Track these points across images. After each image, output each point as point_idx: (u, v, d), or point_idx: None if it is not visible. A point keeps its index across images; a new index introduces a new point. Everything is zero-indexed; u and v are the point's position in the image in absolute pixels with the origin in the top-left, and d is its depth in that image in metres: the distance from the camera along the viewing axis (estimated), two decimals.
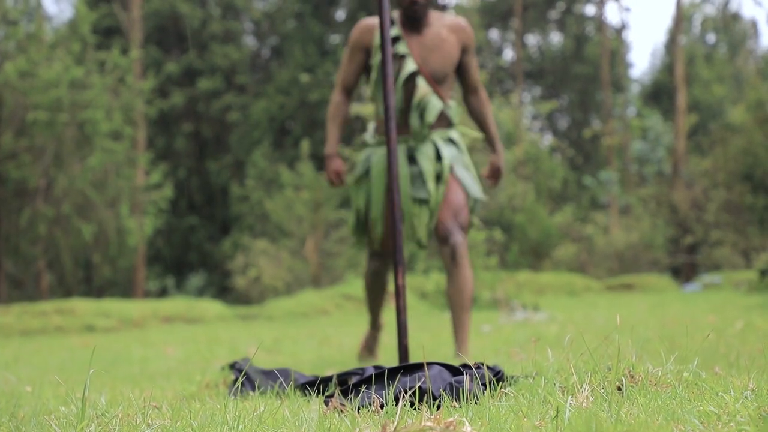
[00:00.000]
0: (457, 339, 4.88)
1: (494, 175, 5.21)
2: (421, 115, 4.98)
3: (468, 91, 5.24)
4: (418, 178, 4.94)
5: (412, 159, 4.98)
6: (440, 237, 4.94)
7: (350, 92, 5.16)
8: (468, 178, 5.07)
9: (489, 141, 5.25)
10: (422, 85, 4.97)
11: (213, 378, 3.42)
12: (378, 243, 5.09)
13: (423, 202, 4.93)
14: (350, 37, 5.11)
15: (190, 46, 31.08)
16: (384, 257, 5.21)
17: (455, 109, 5.14)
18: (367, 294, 5.35)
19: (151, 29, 30.44)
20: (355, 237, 5.25)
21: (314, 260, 21.63)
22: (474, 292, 5.19)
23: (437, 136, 5.01)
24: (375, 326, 5.46)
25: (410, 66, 4.96)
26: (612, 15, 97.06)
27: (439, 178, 4.98)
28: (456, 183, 5.00)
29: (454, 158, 5.03)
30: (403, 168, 4.89)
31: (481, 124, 5.24)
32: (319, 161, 26.64)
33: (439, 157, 5.00)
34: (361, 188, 5.10)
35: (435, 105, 4.96)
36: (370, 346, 5.46)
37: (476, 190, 5.09)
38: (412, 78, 4.99)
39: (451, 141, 5.08)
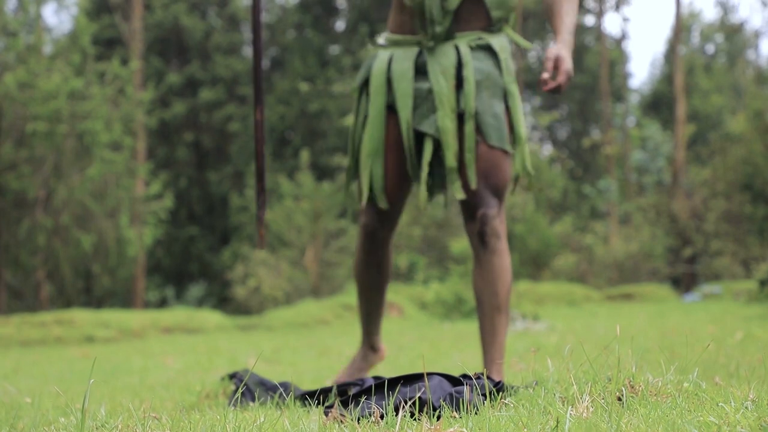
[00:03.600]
0: (485, 353, 3.43)
1: (555, 73, 3.32)
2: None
3: None
4: (426, 101, 3.40)
5: (423, 71, 3.43)
6: (465, 207, 3.42)
7: None
8: (491, 115, 3.41)
9: (554, 31, 3.46)
10: None
11: (213, 388, 3.42)
12: (370, 193, 3.50)
13: (429, 137, 3.42)
14: None
15: (191, 57, 31.13)
16: (381, 220, 3.55)
17: (503, 2, 3.48)
18: (357, 286, 3.76)
19: (153, 40, 30.50)
20: (348, 183, 3.68)
21: (314, 270, 21.62)
22: (510, 289, 3.46)
23: (464, 41, 3.42)
24: (367, 340, 3.84)
25: None
26: (611, 25, 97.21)
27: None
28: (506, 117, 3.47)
29: (483, 79, 3.41)
30: (404, 82, 3.40)
31: (549, 13, 3.48)
32: (318, 171, 26.70)
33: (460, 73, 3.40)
34: (360, 107, 3.59)
35: None
36: (358, 367, 3.83)
37: (499, 136, 3.40)
38: None
39: (486, 50, 3.45)
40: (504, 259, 3.39)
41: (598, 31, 36.05)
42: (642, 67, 73.58)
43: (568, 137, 39.88)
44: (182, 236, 30.09)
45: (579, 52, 37.78)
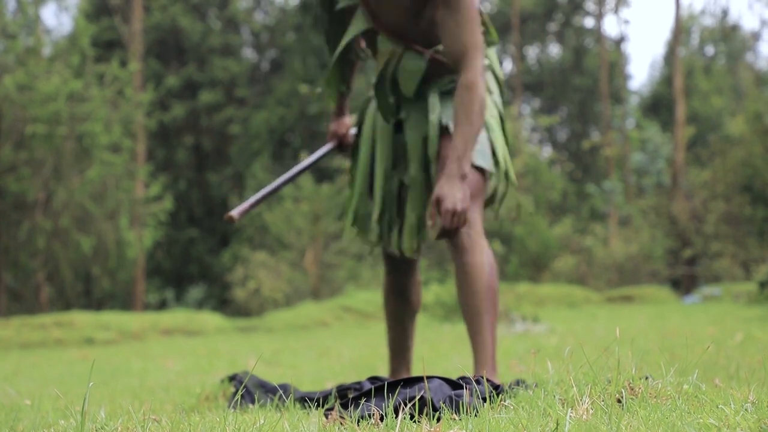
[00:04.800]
0: (473, 357, 3.30)
1: (435, 211, 3.20)
2: (393, 87, 3.51)
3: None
4: (404, 153, 3.54)
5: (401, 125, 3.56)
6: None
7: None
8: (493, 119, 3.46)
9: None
10: (384, 45, 3.47)
11: (212, 391, 3.42)
12: (353, 228, 3.69)
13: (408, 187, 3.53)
14: None
15: (189, 59, 31.14)
16: (393, 258, 3.70)
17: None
18: (384, 314, 3.84)
19: (152, 42, 30.49)
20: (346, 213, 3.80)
21: (313, 272, 21.61)
22: (496, 285, 3.29)
23: (435, 89, 3.47)
24: (392, 374, 3.77)
25: (357, 26, 3.51)
26: (611, 27, 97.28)
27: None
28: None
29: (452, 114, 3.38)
30: (384, 141, 3.55)
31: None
32: (318, 173, 26.67)
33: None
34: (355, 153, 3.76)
35: (412, 65, 3.43)
36: None
37: (482, 157, 3.37)
38: (369, 38, 3.56)
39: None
40: (477, 257, 3.26)
41: (597, 34, 36.05)
42: (641, 69, 73.62)
43: (567, 139, 39.87)
44: (182, 238, 30.08)
45: (578, 54, 37.80)
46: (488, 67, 3.59)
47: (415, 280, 3.71)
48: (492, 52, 3.62)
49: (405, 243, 3.49)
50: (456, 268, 3.31)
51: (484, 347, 3.26)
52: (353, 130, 3.85)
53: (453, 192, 3.13)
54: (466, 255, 3.26)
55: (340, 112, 3.91)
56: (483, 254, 3.28)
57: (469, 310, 3.27)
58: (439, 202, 3.16)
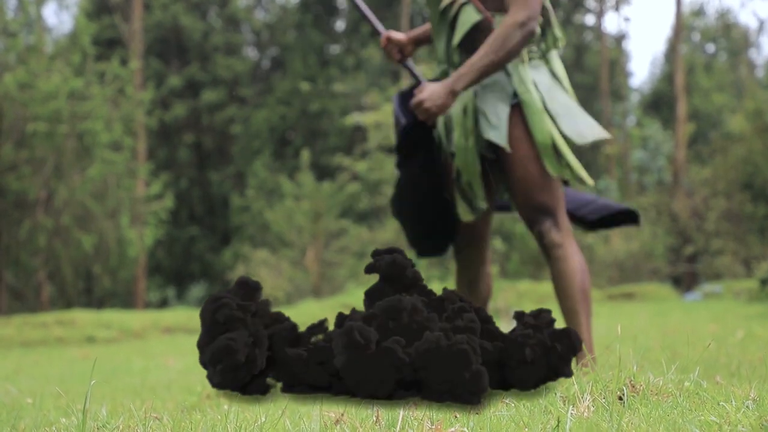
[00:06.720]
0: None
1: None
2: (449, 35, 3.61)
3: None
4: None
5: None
6: (524, 221, 3.65)
7: None
8: (493, 114, 3.49)
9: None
10: None
11: (214, 389, 3.42)
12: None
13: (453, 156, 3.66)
14: None
15: (191, 58, 31.15)
16: (464, 237, 3.82)
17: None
18: None
19: (153, 41, 30.51)
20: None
21: (315, 270, 21.61)
22: (588, 285, 3.59)
23: None
24: None
25: None
26: (611, 24, 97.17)
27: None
28: (521, 128, 3.48)
29: (490, 83, 3.52)
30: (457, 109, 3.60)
31: None
32: (319, 171, 26.67)
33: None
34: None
35: (466, 17, 3.51)
36: None
37: (496, 134, 3.46)
38: None
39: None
40: (569, 263, 3.51)
41: (598, 31, 36.04)
42: (642, 66, 73.74)
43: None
44: (183, 237, 30.09)
45: (579, 51, 37.78)
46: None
47: (484, 271, 3.85)
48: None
49: (459, 209, 3.65)
50: (552, 274, 3.57)
51: (583, 335, 3.49)
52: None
53: (433, 90, 3.39)
54: (559, 263, 3.52)
55: (412, 34, 3.91)
56: (575, 260, 3.53)
57: (567, 311, 3.56)
58: (417, 92, 3.44)
